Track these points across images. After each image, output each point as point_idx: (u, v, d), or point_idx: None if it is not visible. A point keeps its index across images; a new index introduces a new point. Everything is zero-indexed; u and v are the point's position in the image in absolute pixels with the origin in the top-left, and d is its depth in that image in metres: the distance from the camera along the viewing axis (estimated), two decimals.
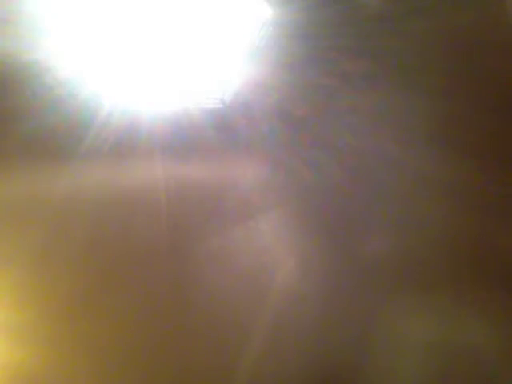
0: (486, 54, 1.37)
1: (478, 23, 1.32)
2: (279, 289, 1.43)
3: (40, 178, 1.22)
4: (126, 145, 1.31)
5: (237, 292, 1.40)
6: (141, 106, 1.31)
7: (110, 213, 1.35)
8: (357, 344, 1.42)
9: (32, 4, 1.01)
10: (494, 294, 1.41)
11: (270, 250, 1.45)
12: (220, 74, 1.31)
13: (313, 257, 1.46)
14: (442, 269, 1.42)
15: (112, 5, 1.13)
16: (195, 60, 1.27)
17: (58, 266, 1.29)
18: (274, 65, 1.29)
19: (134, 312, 1.36)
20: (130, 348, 1.36)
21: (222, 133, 1.37)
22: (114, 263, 1.35)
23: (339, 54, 1.26)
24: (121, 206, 1.36)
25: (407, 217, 1.44)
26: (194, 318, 1.39)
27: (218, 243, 1.43)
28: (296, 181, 1.43)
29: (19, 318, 1.26)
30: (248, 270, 1.42)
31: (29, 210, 1.27)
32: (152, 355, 1.36)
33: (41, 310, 1.27)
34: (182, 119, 1.34)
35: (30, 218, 1.27)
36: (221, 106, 1.36)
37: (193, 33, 1.22)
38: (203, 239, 1.42)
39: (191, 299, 1.40)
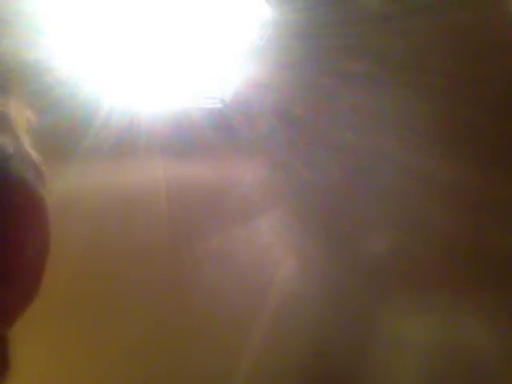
0: (486, 54, 1.36)
1: (478, 23, 1.32)
2: (279, 288, 1.43)
3: None
4: (125, 145, 1.31)
5: (237, 292, 1.40)
6: (141, 106, 1.31)
7: (110, 213, 1.35)
8: (356, 343, 1.42)
9: (32, 4, 1.01)
10: (493, 293, 1.41)
11: (270, 249, 1.45)
12: (220, 73, 1.31)
13: (313, 256, 1.46)
14: (441, 268, 1.42)
15: (112, 5, 1.13)
16: (195, 60, 1.27)
17: (57, 265, 1.28)
18: (274, 64, 1.29)
19: (133, 312, 1.36)
20: (130, 347, 1.36)
21: (221, 132, 1.37)
22: (113, 263, 1.35)
23: (339, 53, 1.26)
24: (121, 205, 1.36)
25: (407, 216, 1.44)
26: (194, 318, 1.39)
27: (218, 243, 1.43)
28: (296, 180, 1.43)
29: None
30: (248, 269, 1.42)
31: None
32: (152, 354, 1.36)
33: (38, 309, 1.27)
34: (182, 119, 1.34)
35: None
36: (220, 105, 1.36)
37: (192, 32, 1.21)
38: (203, 239, 1.42)
39: (191, 299, 1.40)
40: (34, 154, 0.39)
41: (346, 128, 1.39)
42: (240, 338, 1.41)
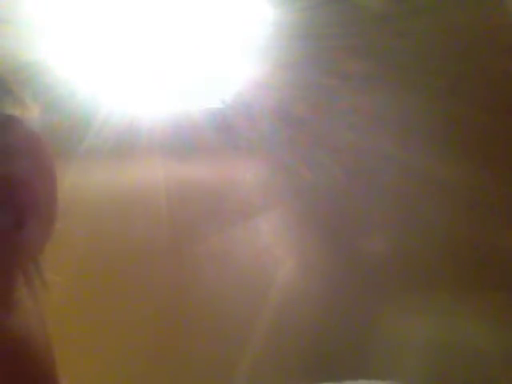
0: (486, 54, 1.37)
1: (478, 23, 1.32)
2: (279, 289, 1.43)
3: None
4: (125, 145, 1.31)
5: (237, 292, 1.40)
6: (141, 106, 1.31)
7: (110, 213, 1.35)
8: (357, 344, 1.41)
9: (32, 4, 1.01)
10: (494, 293, 1.40)
11: (270, 250, 1.45)
12: (220, 74, 1.31)
13: (313, 257, 1.46)
14: (443, 269, 1.42)
15: (112, 5, 1.13)
16: (195, 60, 1.27)
17: (57, 265, 1.28)
18: (275, 65, 1.29)
19: (132, 312, 1.36)
20: (130, 348, 1.36)
21: (222, 133, 1.37)
22: (113, 263, 1.35)
23: (340, 53, 1.26)
24: (121, 206, 1.36)
25: (407, 216, 1.44)
26: (194, 319, 1.39)
27: (218, 243, 1.43)
28: (296, 181, 1.43)
29: None
30: (248, 270, 1.42)
31: None
32: (151, 355, 1.36)
33: None
34: (182, 119, 1.34)
35: None
36: (221, 105, 1.36)
37: (193, 33, 1.22)
38: (203, 239, 1.42)
39: (191, 299, 1.40)
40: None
41: (347, 128, 1.39)
42: (240, 338, 1.40)
